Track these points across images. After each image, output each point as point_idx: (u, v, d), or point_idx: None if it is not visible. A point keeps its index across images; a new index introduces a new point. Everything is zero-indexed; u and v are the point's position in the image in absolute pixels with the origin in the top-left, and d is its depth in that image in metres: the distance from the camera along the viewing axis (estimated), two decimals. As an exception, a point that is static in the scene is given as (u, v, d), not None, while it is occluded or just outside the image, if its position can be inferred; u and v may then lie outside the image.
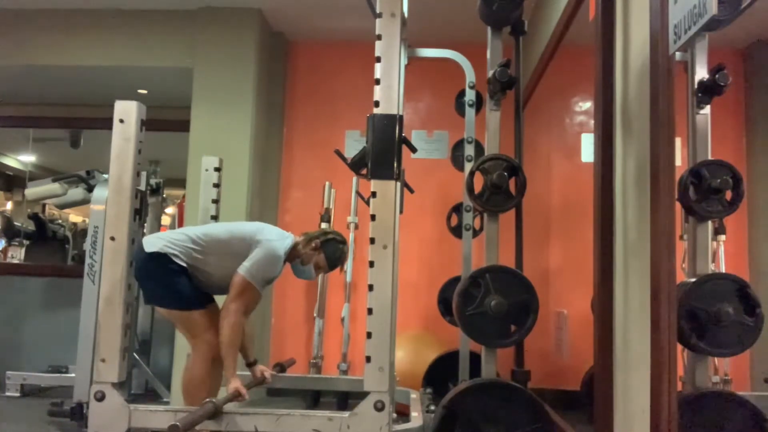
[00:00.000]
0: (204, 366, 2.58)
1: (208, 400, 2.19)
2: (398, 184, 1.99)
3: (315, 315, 4.21)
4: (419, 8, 2.83)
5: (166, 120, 4.42)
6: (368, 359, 1.94)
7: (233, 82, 4.08)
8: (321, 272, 2.85)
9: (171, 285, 2.54)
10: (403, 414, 3.25)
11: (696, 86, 2.14)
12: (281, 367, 3.16)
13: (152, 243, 2.54)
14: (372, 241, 1.95)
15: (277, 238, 2.66)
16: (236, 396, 2.41)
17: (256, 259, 2.56)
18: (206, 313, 2.61)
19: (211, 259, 2.58)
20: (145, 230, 4.26)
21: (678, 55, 1.86)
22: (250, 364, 2.90)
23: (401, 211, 2.29)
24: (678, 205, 1.99)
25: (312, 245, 2.76)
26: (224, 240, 2.62)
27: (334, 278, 4.32)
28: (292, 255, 2.76)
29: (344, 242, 2.82)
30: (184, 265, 2.55)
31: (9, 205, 8.25)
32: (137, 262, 2.45)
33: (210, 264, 2.58)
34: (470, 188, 2.70)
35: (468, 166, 3.24)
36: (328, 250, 2.77)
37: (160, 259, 2.51)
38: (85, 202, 4.09)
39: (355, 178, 4.18)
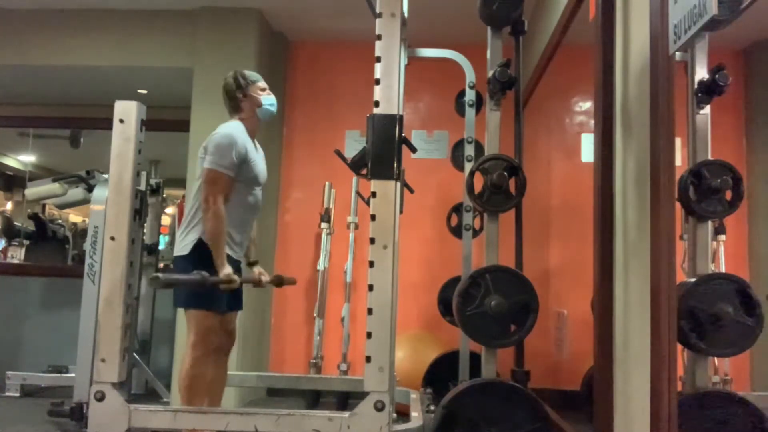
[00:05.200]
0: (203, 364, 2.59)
1: (197, 272, 2.31)
2: (398, 184, 1.99)
3: (315, 315, 4.21)
4: (419, 8, 2.83)
5: (166, 120, 4.42)
6: (368, 359, 1.93)
7: (233, 82, 4.08)
8: (266, 94, 2.77)
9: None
10: (403, 414, 3.25)
11: (696, 86, 2.14)
12: (279, 280, 3.08)
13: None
14: (372, 241, 1.95)
15: (220, 128, 2.65)
16: (228, 281, 2.48)
17: (210, 150, 2.57)
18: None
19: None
20: (144, 230, 4.27)
21: (678, 55, 1.85)
22: (251, 264, 2.93)
23: (401, 211, 2.29)
24: (678, 205, 1.99)
25: (238, 94, 2.70)
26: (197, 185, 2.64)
27: (334, 278, 4.33)
28: (245, 115, 2.72)
29: (234, 73, 2.75)
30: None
31: (9, 205, 8.25)
32: None
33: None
34: (470, 188, 2.70)
35: (468, 166, 3.24)
36: (245, 80, 2.72)
37: None
38: (85, 202, 4.10)
39: (355, 178, 4.18)
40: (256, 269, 2.91)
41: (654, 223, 1.64)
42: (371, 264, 1.95)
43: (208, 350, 2.59)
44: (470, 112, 3.41)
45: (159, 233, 4.69)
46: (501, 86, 2.68)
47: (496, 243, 2.67)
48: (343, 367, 4.07)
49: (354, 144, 4.42)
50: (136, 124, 2.23)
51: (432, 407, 3.11)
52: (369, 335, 1.94)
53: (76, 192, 4.20)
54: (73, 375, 3.67)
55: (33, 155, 7.44)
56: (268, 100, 2.76)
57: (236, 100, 2.72)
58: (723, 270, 3.18)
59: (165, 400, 3.98)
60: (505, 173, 2.58)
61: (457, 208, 3.67)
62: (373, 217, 1.97)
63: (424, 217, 4.31)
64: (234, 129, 2.64)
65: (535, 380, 2.74)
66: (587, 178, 2.24)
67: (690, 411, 1.86)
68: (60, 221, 6.72)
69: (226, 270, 2.50)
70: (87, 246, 3.63)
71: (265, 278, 2.90)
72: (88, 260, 3.59)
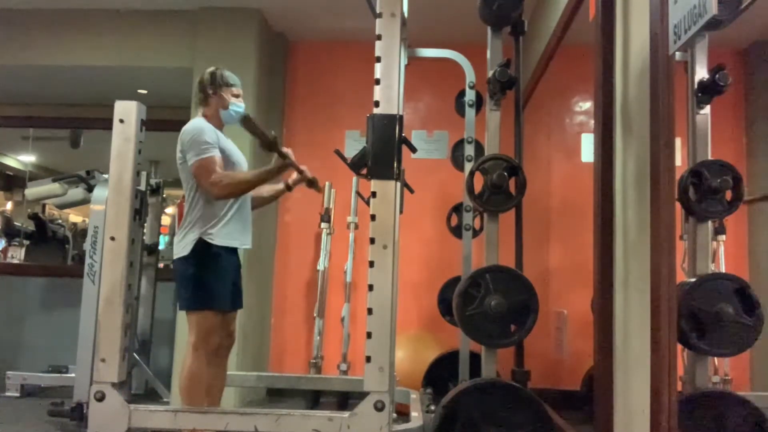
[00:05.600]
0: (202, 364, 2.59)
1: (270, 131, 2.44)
2: (398, 184, 1.99)
3: (315, 315, 4.21)
4: (419, 8, 2.83)
5: (166, 120, 4.42)
6: (368, 359, 1.93)
7: (233, 83, 4.08)
8: (236, 100, 2.76)
9: None
10: (403, 414, 3.25)
11: (696, 86, 2.14)
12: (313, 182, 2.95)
13: None
14: (372, 241, 1.95)
15: (184, 127, 2.66)
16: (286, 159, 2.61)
17: (186, 147, 2.59)
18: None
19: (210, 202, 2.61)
20: (145, 230, 4.27)
21: (678, 55, 1.85)
22: (287, 186, 2.92)
23: (401, 211, 2.28)
24: (678, 205, 1.99)
25: (209, 90, 2.72)
26: (187, 185, 2.65)
27: (334, 278, 4.32)
28: (209, 112, 2.73)
29: (214, 69, 2.76)
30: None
31: (9, 205, 8.26)
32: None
33: (217, 204, 2.61)
34: (470, 188, 2.70)
35: (468, 166, 3.24)
36: (222, 79, 2.73)
37: None
38: (85, 202, 4.09)
39: (355, 178, 4.18)
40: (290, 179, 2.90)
41: (654, 223, 1.64)
42: (371, 264, 1.95)
43: (209, 350, 2.59)
44: (470, 112, 3.41)
45: (159, 233, 4.68)
46: (501, 86, 2.68)
47: (496, 243, 2.67)
48: (343, 367, 4.07)
49: (354, 144, 4.42)
50: (136, 124, 2.23)
51: (432, 407, 3.11)
52: (369, 335, 1.94)
53: (76, 192, 4.19)
54: (73, 375, 3.67)
55: (33, 155, 7.44)
56: (236, 105, 2.75)
57: (205, 93, 2.74)
58: (723, 270, 3.18)
59: (165, 400, 3.98)
60: (505, 173, 2.58)
61: (457, 208, 3.67)
62: (373, 217, 1.97)
63: (424, 217, 4.31)
64: (198, 122, 2.66)
65: (535, 380, 2.74)
66: (587, 178, 2.24)
67: (690, 411, 1.86)
68: (60, 221, 6.72)
69: (282, 151, 2.59)
70: (87, 246, 3.63)
71: (307, 172, 2.85)
72: (88, 260, 3.59)
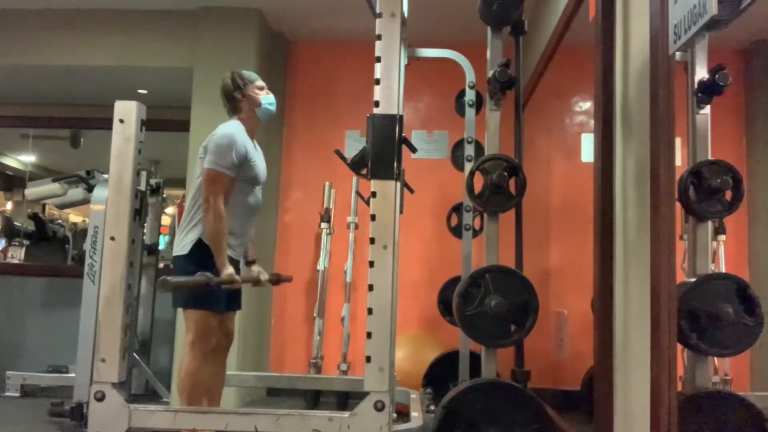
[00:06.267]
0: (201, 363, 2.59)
1: (200, 273, 2.35)
2: (398, 184, 1.99)
3: (315, 315, 4.21)
4: (419, 8, 2.83)
5: (166, 120, 4.43)
6: (368, 359, 1.93)
7: (233, 82, 4.08)
8: (264, 93, 2.76)
9: None
10: (403, 414, 3.25)
11: (696, 86, 2.14)
12: (277, 278, 3.08)
13: None
14: (372, 241, 1.95)
15: (220, 129, 2.65)
16: (230, 281, 2.49)
17: (210, 150, 2.57)
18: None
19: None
20: (145, 230, 4.27)
21: (678, 55, 1.86)
22: (249, 263, 2.91)
23: (401, 211, 2.29)
24: (678, 205, 1.99)
25: (237, 95, 2.70)
26: (197, 185, 2.64)
27: (334, 278, 4.32)
28: (245, 115, 2.72)
29: (232, 74, 2.75)
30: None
31: (9, 205, 8.26)
32: None
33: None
34: (470, 188, 2.70)
35: (468, 166, 3.24)
36: (243, 80, 2.72)
37: None
38: (85, 202, 4.09)
39: (355, 178, 4.18)
40: (255, 268, 2.91)
41: (654, 223, 1.64)
42: (371, 264, 1.95)
43: (207, 350, 2.59)
44: (470, 112, 3.41)
45: (159, 233, 4.68)
46: (501, 86, 2.68)
47: (496, 243, 2.67)
48: (343, 367, 4.07)
49: (354, 144, 4.42)
50: (136, 124, 2.23)
51: (432, 407, 3.11)
52: (369, 335, 1.94)
53: (76, 192, 4.19)
54: (73, 375, 3.67)
55: (33, 155, 7.44)
56: (267, 99, 2.75)
57: (235, 100, 2.72)
58: (723, 270, 3.18)
59: (165, 400, 3.98)
60: (505, 173, 2.58)
61: (457, 208, 3.67)
62: (373, 217, 1.97)
63: (424, 217, 4.31)
64: (234, 129, 2.64)
65: (535, 380, 2.74)
66: (587, 178, 2.24)
67: (690, 411, 1.86)
68: (60, 221, 6.72)
69: (228, 270, 2.50)
70: (87, 246, 3.63)
71: (264, 277, 2.89)
72: (88, 260, 3.59)
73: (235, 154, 2.56)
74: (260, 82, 2.77)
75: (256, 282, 2.88)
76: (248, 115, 2.73)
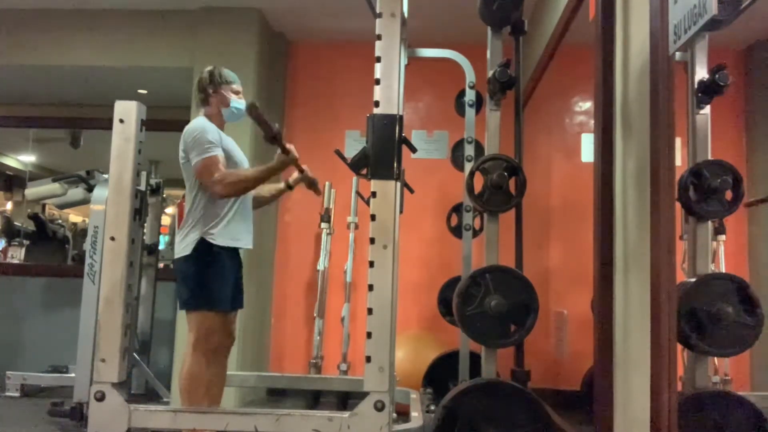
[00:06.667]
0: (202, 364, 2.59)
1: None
2: (398, 184, 1.99)
3: (315, 315, 4.21)
4: (419, 8, 2.83)
5: (166, 120, 4.42)
6: (368, 359, 1.93)
7: (233, 82, 4.08)
8: (237, 97, 2.77)
9: None
10: (403, 414, 3.25)
11: (696, 86, 2.14)
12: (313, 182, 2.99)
13: None
14: (372, 241, 1.95)
15: (186, 128, 2.66)
16: (293, 158, 2.61)
17: (188, 147, 2.58)
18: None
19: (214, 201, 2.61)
20: (145, 230, 4.27)
21: (678, 55, 1.86)
22: (293, 183, 2.93)
23: (401, 211, 2.29)
24: (678, 205, 1.99)
25: (209, 89, 2.71)
26: (189, 183, 2.65)
27: (334, 278, 4.32)
28: (212, 111, 2.73)
29: (212, 68, 2.77)
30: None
31: (9, 205, 8.26)
32: None
33: (218, 204, 2.61)
34: (470, 188, 2.70)
35: (468, 166, 3.24)
36: (221, 78, 2.73)
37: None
38: (85, 202, 4.09)
39: (355, 178, 4.18)
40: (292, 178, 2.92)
41: (654, 223, 1.64)
42: (371, 264, 1.95)
43: (209, 350, 2.59)
44: (470, 112, 3.41)
45: (159, 233, 4.68)
46: (501, 86, 2.68)
47: (496, 243, 2.67)
48: (343, 367, 4.07)
49: (354, 144, 4.42)
50: (136, 124, 2.23)
51: (432, 407, 3.11)
52: (369, 335, 1.94)
53: (76, 192, 4.19)
54: (73, 375, 3.67)
55: (33, 155, 7.44)
56: (237, 102, 2.75)
57: (205, 93, 2.73)
58: (723, 270, 3.18)
59: (165, 400, 3.98)
60: (505, 173, 2.58)
61: (457, 208, 3.67)
62: (373, 217, 1.97)
63: (424, 217, 4.31)
64: (200, 122, 2.65)
65: (535, 380, 2.74)
66: (587, 178, 2.24)
67: (690, 411, 1.86)
68: (60, 221, 6.73)
69: (285, 146, 2.57)
70: (87, 246, 3.63)
71: (308, 172, 2.88)
72: (88, 260, 3.59)
73: (210, 136, 2.57)
74: (237, 86, 2.78)
75: (310, 182, 2.89)
76: (214, 112, 2.73)
